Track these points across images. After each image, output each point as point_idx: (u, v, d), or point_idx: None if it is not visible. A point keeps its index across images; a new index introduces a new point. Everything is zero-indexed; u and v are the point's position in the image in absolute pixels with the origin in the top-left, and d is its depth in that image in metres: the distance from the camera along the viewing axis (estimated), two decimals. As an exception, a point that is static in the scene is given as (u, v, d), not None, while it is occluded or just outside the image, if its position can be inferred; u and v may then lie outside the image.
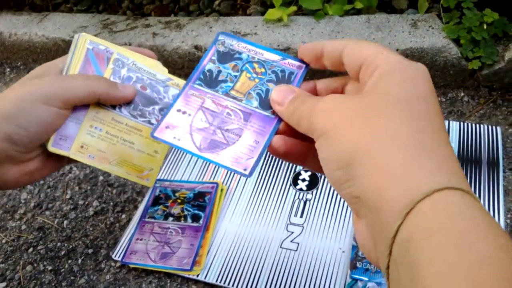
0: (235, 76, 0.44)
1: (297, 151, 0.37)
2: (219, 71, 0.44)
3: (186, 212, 0.67)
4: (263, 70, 0.44)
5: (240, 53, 0.45)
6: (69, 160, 0.51)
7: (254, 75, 0.43)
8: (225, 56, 0.45)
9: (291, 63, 0.43)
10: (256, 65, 0.44)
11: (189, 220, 0.66)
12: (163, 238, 0.65)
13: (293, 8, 0.93)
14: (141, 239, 0.65)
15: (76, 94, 0.46)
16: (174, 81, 0.52)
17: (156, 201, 0.70)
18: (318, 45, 0.38)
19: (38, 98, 0.44)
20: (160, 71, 0.52)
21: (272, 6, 0.96)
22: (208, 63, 0.44)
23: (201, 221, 0.65)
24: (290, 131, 0.38)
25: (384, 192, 0.26)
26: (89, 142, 0.49)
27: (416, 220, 0.24)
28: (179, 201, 0.69)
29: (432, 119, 0.29)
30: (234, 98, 0.42)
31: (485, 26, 0.80)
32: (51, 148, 0.49)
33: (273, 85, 0.42)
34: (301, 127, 0.34)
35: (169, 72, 0.54)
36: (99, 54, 0.51)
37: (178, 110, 0.41)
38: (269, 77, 0.43)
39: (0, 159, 0.44)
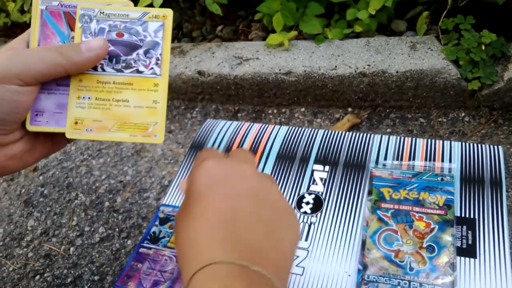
0: (171, 232, 0.65)
1: None
2: (160, 231, 0.66)
3: None
4: None
5: (174, 216, 0.66)
6: (68, 140, 0.48)
7: None
8: (164, 220, 0.67)
9: None
10: None
11: None
12: (157, 265, 0.65)
13: (294, 32, 0.94)
14: (136, 265, 0.66)
15: (36, 69, 0.41)
16: (151, 13, 0.45)
17: (163, 221, 0.71)
18: None
19: None
20: (132, 9, 0.45)
21: (273, 31, 0.98)
22: (153, 227, 0.66)
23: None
24: None
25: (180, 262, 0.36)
26: (81, 115, 0.45)
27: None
28: None
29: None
30: (170, 247, 0.62)
31: (483, 47, 0.81)
32: (29, 127, 0.45)
33: None
34: None
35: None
36: (54, 11, 0.46)
37: (133, 264, 0.61)
38: None
39: None
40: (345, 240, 0.64)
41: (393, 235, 0.59)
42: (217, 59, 0.97)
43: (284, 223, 0.39)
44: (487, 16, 0.88)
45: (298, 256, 0.64)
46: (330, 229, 0.66)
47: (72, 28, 0.46)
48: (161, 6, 0.93)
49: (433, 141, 0.73)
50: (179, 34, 1.18)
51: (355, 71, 0.86)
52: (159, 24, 0.45)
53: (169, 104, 1.00)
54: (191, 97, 1.00)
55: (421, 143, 0.73)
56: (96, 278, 0.68)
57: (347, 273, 0.60)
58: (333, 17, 0.99)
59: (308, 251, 0.64)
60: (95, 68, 0.45)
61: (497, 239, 0.59)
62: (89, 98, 0.45)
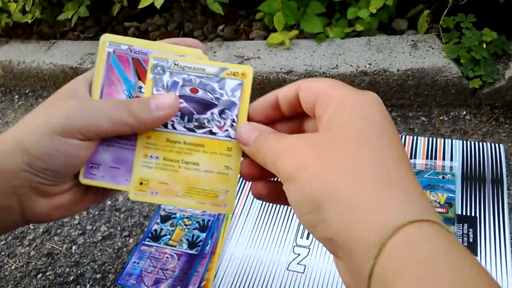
0: (172, 230, 0.70)
1: (280, 193, 0.34)
2: (161, 229, 0.70)
3: (183, 238, 0.68)
4: (190, 222, 0.71)
5: (175, 214, 0.73)
6: (113, 191, 0.45)
7: (184, 227, 0.70)
8: (165, 218, 0.72)
9: (211, 214, 0.71)
10: (186, 220, 0.71)
11: (185, 246, 0.66)
12: (159, 263, 0.65)
13: (295, 31, 0.94)
14: (138, 263, 0.66)
15: (100, 126, 0.38)
16: (230, 70, 0.40)
17: (164, 219, 0.71)
18: (270, 96, 0.37)
19: (55, 130, 0.38)
20: (209, 63, 0.41)
21: (275, 30, 0.98)
22: (154, 225, 0.70)
23: (197, 249, 0.66)
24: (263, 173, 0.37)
25: (353, 233, 0.26)
26: (148, 176, 0.41)
27: (387, 259, 0.24)
28: (180, 228, 0.70)
29: (393, 149, 0.29)
30: (171, 245, 0.68)
31: (484, 45, 0.81)
32: (82, 180, 0.42)
33: (197, 231, 0.69)
34: (267, 167, 0.33)
35: None
36: (122, 56, 0.42)
37: (135, 261, 0.66)
38: (194, 226, 0.70)
39: (24, 190, 0.40)
40: (346, 238, 0.64)
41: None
42: (219, 58, 0.97)
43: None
44: (488, 14, 0.88)
45: (299, 254, 0.64)
46: (331, 227, 0.66)
47: (139, 77, 0.42)
48: (163, 5, 0.94)
49: (434, 139, 0.73)
50: (180, 33, 1.18)
51: (356, 70, 0.86)
52: (237, 82, 0.40)
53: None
54: (192, 96, 1.00)
55: (422, 141, 0.73)
56: (98, 276, 0.69)
57: (348, 271, 0.60)
58: (334, 16, 0.99)
59: (310, 249, 0.64)
60: (165, 125, 0.41)
61: (498, 237, 0.59)
62: (157, 157, 0.41)
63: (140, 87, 0.42)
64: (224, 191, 0.41)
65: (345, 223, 0.26)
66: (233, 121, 0.40)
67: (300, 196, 0.29)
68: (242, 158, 0.39)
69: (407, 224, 0.25)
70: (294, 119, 0.38)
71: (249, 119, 0.38)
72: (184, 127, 0.41)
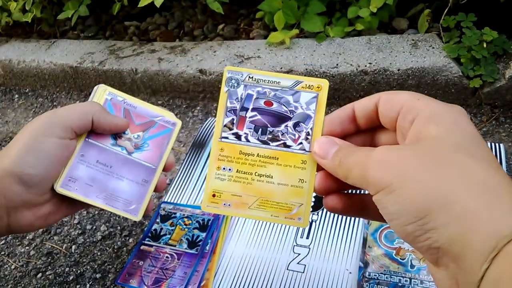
0: (172, 229, 0.70)
1: (355, 205, 0.37)
2: (161, 228, 0.70)
3: (183, 238, 0.68)
4: (190, 221, 0.70)
5: (175, 213, 0.72)
6: (84, 204, 0.52)
7: (184, 226, 0.70)
8: (165, 217, 0.72)
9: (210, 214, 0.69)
10: (185, 219, 0.71)
11: (185, 246, 0.66)
12: (159, 263, 0.65)
13: (295, 31, 0.94)
14: (138, 262, 0.66)
15: (71, 119, 0.48)
16: (305, 83, 0.41)
17: (164, 218, 0.71)
18: (346, 109, 0.37)
19: (39, 131, 0.46)
20: (284, 76, 0.42)
21: (275, 29, 0.98)
22: (154, 224, 0.70)
23: (197, 249, 0.66)
24: (338, 185, 0.37)
25: (468, 239, 0.26)
26: (221, 188, 0.41)
27: (503, 263, 0.25)
28: (180, 228, 0.70)
29: (491, 160, 0.30)
30: (171, 245, 0.67)
31: (485, 45, 0.81)
32: (59, 189, 0.49)
33: (197, 231, 0.68)
34: (350, 179, 0.33)
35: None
36: (116, 104, 0.53)
37: (134, 261, 0.66)
38: (194, 225, 0.69)
39: (16, 204, 0.46)
40: (346, 238, 0.64)
41: (394, 233, 0.59)
42: (219, 58, 0.97)
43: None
44: (489, 13, 0.88)
45: (299, 254, 0.64)
46: (331, 227, 0.66)
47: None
48: (163, 4, 0.93)
49: (434, 139, 0.73)
50: (181, 33, 1.18)
51: (357, 69, 0.86)
52: (312, 95, 0.40)
53: (171, 102, 1.00)
54: (192, 96, 1.00)
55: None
56: (98, 276, 0.69)
57: (348, 270, 0.60)
58: (335, 15, 0.99)
59: (310, 248, 0.64)
60: (238, 138, 0.41)
61: (498, 237, 0.59)
62: (229, 169, 0.41)
63: (128, 133, 0.53)
64: (298, 204, 0.41)
65: (458, 230, 0.27)
66: (308, 134, 0.40)
67: (401, 206, 0.29)
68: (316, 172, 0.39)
69: None
70: (366, 132, 0.38)
71: (325, 131, 0.39)
72: (258, 139, 0.41)
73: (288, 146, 0.41)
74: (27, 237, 0.77)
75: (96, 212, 0.78)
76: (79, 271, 0.70)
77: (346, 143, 0.37)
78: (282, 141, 0.41)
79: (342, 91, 0.90)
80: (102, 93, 0.52)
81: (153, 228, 0.70)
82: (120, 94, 0.53)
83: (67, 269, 0.70)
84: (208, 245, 0.66)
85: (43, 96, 1.13)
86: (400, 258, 0.57)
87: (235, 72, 0.42)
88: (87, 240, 0.74)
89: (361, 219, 0.64)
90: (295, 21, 0.95)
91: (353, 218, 0.66)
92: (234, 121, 0.41)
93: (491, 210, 0.27)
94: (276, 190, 0.41)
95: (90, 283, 0.68)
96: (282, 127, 0.41)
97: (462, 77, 0.81)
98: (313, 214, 0.68)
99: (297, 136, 0.40)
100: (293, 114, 0.41)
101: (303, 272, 0.62)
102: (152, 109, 0.54)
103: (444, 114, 0.32)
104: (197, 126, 0.94)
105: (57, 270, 0.71)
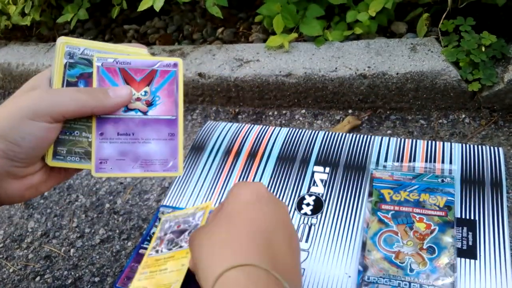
0: None
1: None
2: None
3: None
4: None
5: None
6: (76, 170, 0.51)
7: None
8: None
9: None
10: None
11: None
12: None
13: (294, 35, 0.95)
14: (136, 266, 0.66)
15: (65, 108, 0.45)
16: (200, 206, 0.67)
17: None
18: None
19: (27, 114, 0.44)
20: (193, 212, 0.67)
21: (274, 33, 0.98)
22: (153, 228, 0.69)
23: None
24: None
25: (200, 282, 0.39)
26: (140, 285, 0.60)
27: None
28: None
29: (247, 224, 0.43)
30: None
31: (483, 49, 0.81)
32: (51, 162, 0.47)
33: None
34: None
35: None
36: (110, 68, 0.49)
37: (133, 265, 0.66)
38: None
39: (1, 176, 0.45)
40: (346, 242, 0.64)
41: (394, 237, 0.59)
42: (218, 61, 0.97)
43: (297, 248, 0.47)
44: (487, 17, 0.89)
45: (298, 258, 0.64)
46: (330, 231, 0.66)
47: (127, 82, 0.49)
48: (162, 8, 0.94)
49: (433, 142, 0.73)
50: (180, 36, 1.18)
51: (356, 73, 0.86)
52: (202, 212, 0.64)
53: (170, 106, 1.00)
54: (191, 99, 1.00)
55: (421, 144, 0.73)
56: (96, 279, 0.68)
57: (347, 274, 0.60)
58: (333, 19, 0.99)
59: (309, 252, 0.64)
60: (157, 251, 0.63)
61: (497, 241, 0.59)
62: (145, 272, 0.62)
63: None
64: (175, 281, 0.57)
65: (197, 275, 0.42)
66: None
67: None
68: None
69: (227, 270, 0.37)
70: None
71: None
72: (167, 249, 0.62)
73: (181, 247, 0.62)
74: (25, 240, 0.77)
75: (95, 216, 0.78)
76: (77, 275, 0.69)
77: None
78: (179, 245, 0.62)
79: (341, 94, 0.90)
80: (61, 48, 0.48)
81: (151, 231, 0.70)
82: (89, 45, 0.48)
83: (65, 272, 0.70)
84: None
85: (42, 99, 1.13)
86: (399, 262, 0.57)
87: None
88: (86, 243, 0.74)
89: (360, 222, 0.64)
90: (294, 25, 0.95)
91: (352, 222, 0.66)
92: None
93: (214, 257, 0.40)
94: (167, 276, 0.60)
95: (89, 286, 0.68)
96: (182, 237, 0.63)
97: (461, 81, 0.81)
98: (312, 217, 0.68)
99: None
100: (190, 226, 0.64)
101: (302, 276, 0.61)
102: (146, 58, 0.50)
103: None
104: (196, 129, 0.94)
105: (55, 274, 0.70)
